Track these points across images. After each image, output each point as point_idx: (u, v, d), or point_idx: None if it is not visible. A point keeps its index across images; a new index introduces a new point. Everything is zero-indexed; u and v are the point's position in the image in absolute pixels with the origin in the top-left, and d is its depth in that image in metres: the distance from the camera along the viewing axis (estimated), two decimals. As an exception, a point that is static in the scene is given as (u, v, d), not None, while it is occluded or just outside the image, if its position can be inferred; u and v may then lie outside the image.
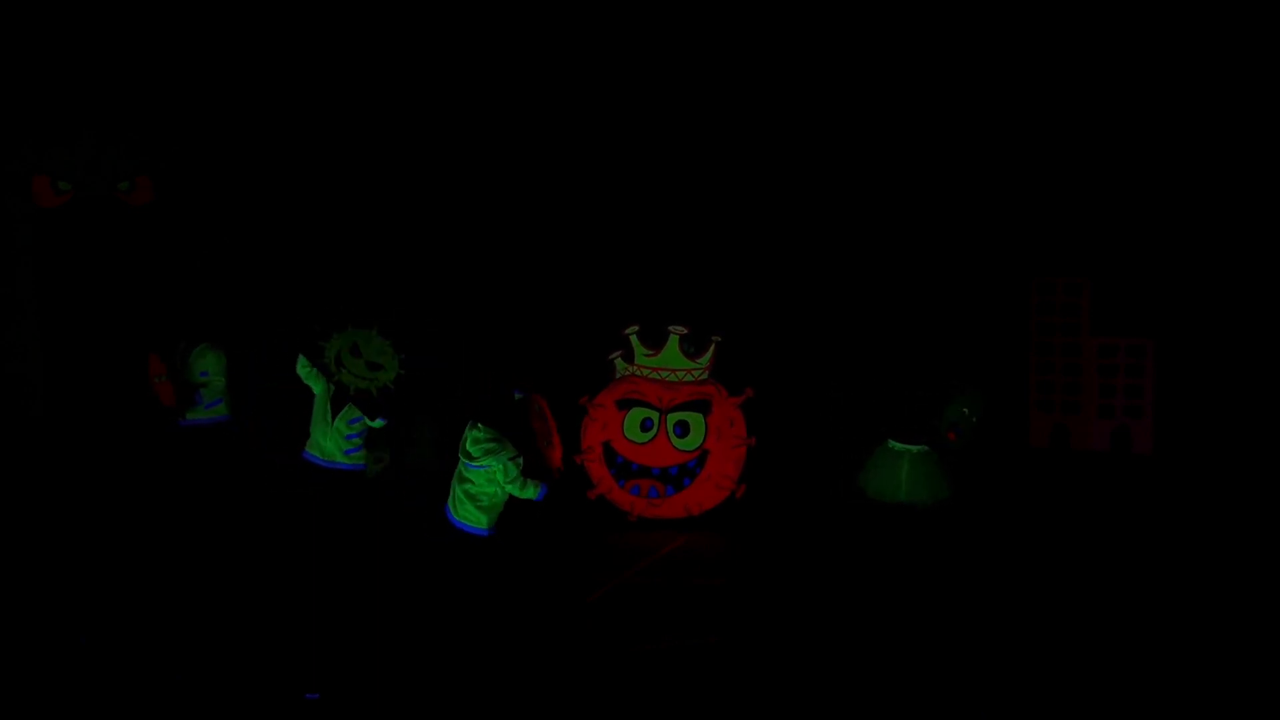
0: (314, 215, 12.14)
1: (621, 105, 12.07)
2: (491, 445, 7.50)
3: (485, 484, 7.56)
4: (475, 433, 7.57)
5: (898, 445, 10.52)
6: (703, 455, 10.52)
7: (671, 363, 10.60)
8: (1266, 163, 11.31)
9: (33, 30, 11.33)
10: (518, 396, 7.94)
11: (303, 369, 8.77)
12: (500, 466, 7.50)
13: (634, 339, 10.68)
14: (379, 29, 11.84)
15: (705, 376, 10.62)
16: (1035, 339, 12.32)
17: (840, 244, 12.11)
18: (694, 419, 10.49)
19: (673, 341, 10.59)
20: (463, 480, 7.59)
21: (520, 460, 7.58)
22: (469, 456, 7.54)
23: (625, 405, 10.63)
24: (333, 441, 8.72)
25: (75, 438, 11.52)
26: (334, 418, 8.74)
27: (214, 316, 10.60)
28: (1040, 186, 12.06)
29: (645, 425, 10.58)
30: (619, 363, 10.75)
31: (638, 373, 10.68)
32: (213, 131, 11.91)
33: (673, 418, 10.51)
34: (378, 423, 8.53)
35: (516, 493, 7.59)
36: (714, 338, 10.59)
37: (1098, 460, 11.86)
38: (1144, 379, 11.84)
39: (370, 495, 9.73)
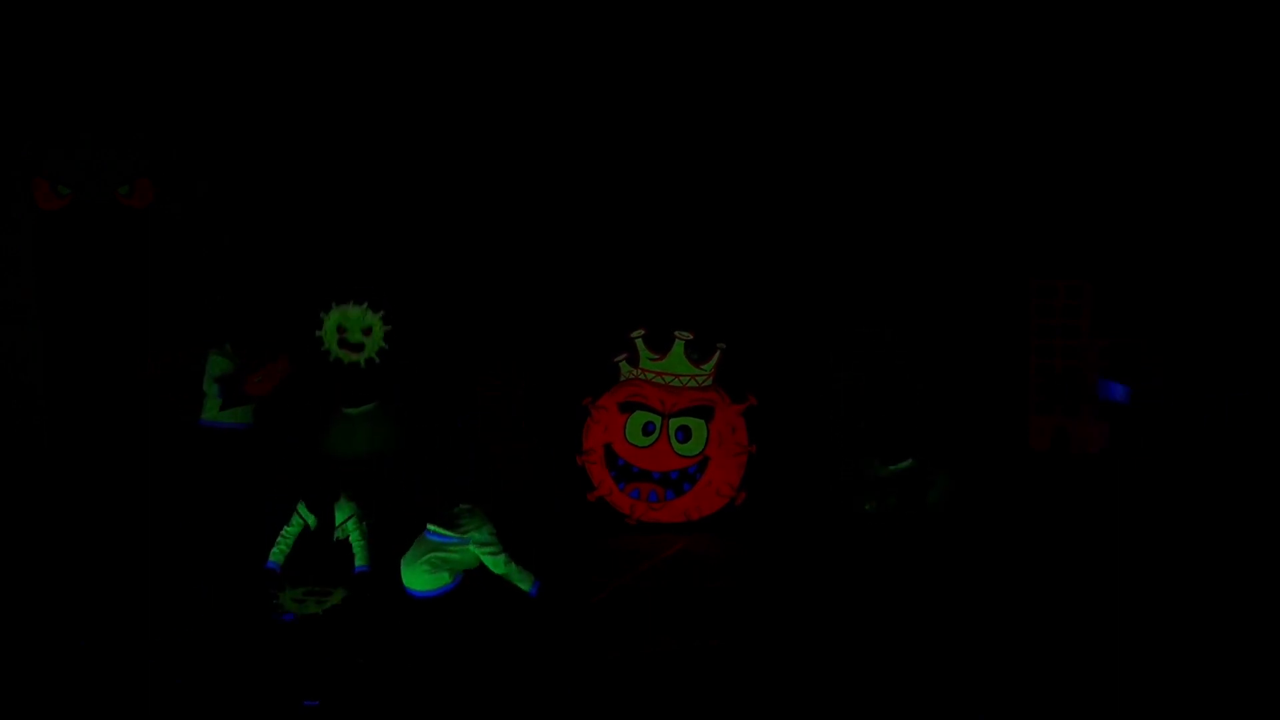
0: (316, 216, 12.12)
1: (630, 107, 12.06)
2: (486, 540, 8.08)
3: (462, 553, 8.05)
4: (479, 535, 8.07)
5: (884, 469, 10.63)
6: (704, 461, 10.55)
7: (676, 368, 10.62)
8: (1268, 165, 11.31)
9: (33, 32, 11.30)
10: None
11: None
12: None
13: (639, 342, 10.70)
14: (381, 29, 11.82)
15: (709, 383, 10.63)
16: (1035, 341, 12.31)
17: (843, 249, 12.12)
18: (696, 425, 10.53)
19: (678, 346, 10.61)
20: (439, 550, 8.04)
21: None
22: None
23: (628, 408, 10.65)
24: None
25: (77, 442, 11.51)
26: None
27: (215, 320, 10.58)
28: (1040, 188, 12.06)
29: (647, 429, 10.60)
30: (623, 365, 10.77)
31: (641, 376, 10.70)
32: (214, 133, 11.89)
33: (675, 422, 10.54)
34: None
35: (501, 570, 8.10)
36: (719, 345, 10.61)
37: (1098, 463, 11.85)
38: (1144, 382, 11.82)
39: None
